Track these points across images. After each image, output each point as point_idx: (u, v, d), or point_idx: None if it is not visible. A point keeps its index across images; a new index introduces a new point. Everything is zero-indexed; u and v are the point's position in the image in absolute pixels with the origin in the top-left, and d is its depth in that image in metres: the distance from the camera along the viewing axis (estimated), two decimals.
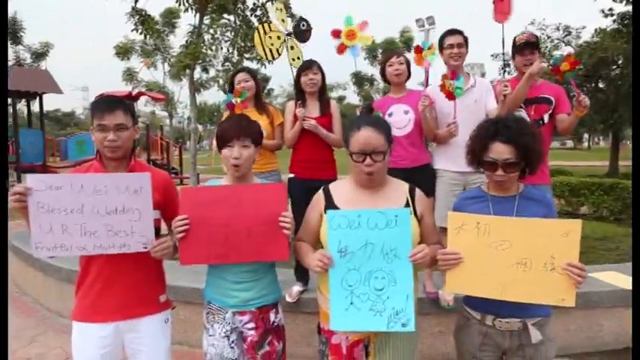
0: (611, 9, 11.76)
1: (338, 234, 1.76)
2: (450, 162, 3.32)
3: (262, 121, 3.53)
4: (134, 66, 25.52)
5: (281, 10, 3.47)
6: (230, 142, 1.98)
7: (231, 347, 2.03)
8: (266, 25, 3.39)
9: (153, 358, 2.03)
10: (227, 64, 6.15)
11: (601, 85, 14.01)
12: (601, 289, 3.51)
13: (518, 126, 1.83)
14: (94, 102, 2.00)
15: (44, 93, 13.27)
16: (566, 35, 14.92)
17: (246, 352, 2.05)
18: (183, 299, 3.47)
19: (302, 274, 3.49)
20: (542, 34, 16.70)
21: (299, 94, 3.48)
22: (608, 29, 13.17)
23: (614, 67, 13.68)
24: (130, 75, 24.98)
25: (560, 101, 3.36)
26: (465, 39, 3.37)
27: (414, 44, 3.24)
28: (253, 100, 3.63)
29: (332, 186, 2.04)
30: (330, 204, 1.94)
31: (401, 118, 3.37)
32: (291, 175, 3.50)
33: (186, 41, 5.84)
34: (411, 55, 3.35)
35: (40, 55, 26.05)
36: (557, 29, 13.79)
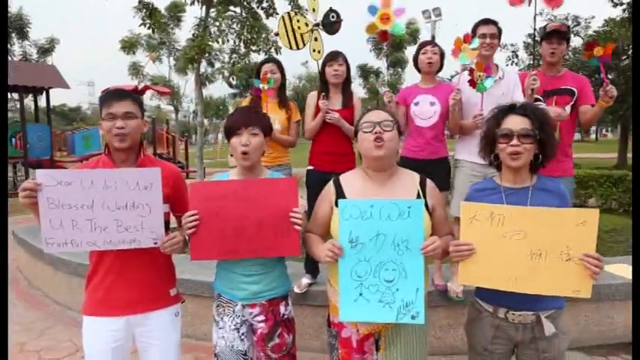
0: None
1: (349, 224, 1.74)
2: (472, 153, 3.30)
3: (281, 115, 3.53)
4: (140, 60, 25.57)
5: None
6: (239, 130, 1.97)
7: (241, 339, 2.03)
8: (292, 13, 3.34)
9: (163, 352, 2.04)
10: (234, 56, 6.11)
11: (610, 76, 13.80)
12: (612, 282, 3.47)
13: (533, 106, 1.85)
14: (102, 95, 1.99)
15: (51, 88, 13.30)
16: (575, 25, 14.72)
17: (256, 344, 2.05)
18: (190, 292, 3.50)
19: (312, 266, 3.48)
20: (534, 31, 16.49)
21: (323, 85, 3.43)
22: (618, 18, 12.96)
23: (624, 57, 13.48)
24: (135, 69, 25.00)
25: (583, 92, 3.31)
26: (499, 30, 3.33)
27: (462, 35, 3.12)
28: (277, 91, 3.61)
29: (342, 177, 2.02)
30: (340, 195, 1.92)
31: (427, 109, 3.35)
32: (310, 167, 3.48)
33: (193, 34, 5.81)
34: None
35: (46, 50, 26.12)
36: (567, 19, 13.60)
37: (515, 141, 1.77)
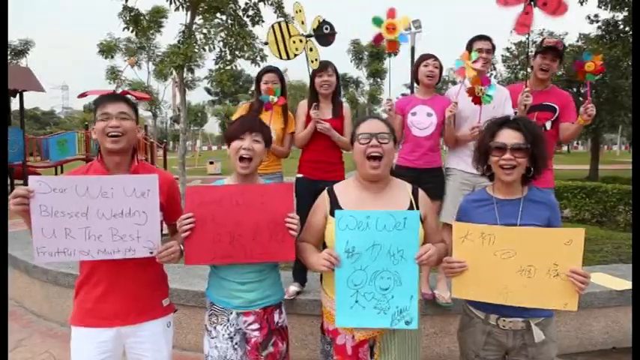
0: (596, 15, 12.08)
1: (346, 234, 1.77)
2: (463, 162, 3.37)
3: (278, 125, 3.52)
4: (118, 65, 25.15)
5: (300, 11, 3.42)
6: (242, 135, 1.97)
7: (234, 349, 2.01)
8: (283, 24, 3.34)
9: None
10: (220, 63, 6.08)
11: (582, 90, 14.31)
12: (590, 290, 3.57)
13: (526, 120, 1.92)
14: (96, 99, 1.96)
15: (25, 91, 12.93)
16: (541, 42, 15.22)
17: (250, 353, 2.03)
18: (175, 301, 3.41)
19: (300, 275, 3.48)
20: (527, 39, 17.04)
21: (313, 95, 3.46)
22: (592, 35, 13.47)
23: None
24: (113, 74, 24.54)
25: (565, 110, 3.38)
26: (493, 46, 3.42)
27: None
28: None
29: (336, 187, 2.04)
30: (335, 204, 1.94)
31: (424, 120, 3.41)
32: (300, 175, 3.49)
33: (178, 41, 5.77)
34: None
35: (19, 52, 25.42)
36: (541, 34, 14.04)
37: (508, 155, 1.83)
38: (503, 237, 1.76)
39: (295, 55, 3.56)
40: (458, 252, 1.81)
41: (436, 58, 3.46)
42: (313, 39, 3.49)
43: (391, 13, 3.22)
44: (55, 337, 3.94)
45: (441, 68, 3.46)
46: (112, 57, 23.20)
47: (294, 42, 3.43)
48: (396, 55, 3.39)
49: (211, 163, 23.62)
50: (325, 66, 3.42)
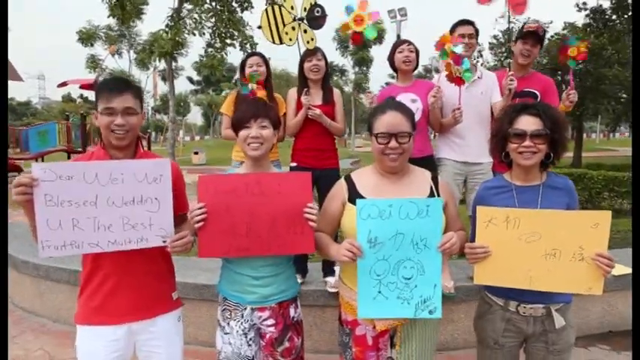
0: (585, 3, 12.21)
1: (368, 224, 1.71)
2: (454, 152, 3.34)
3: None
4: (98, 53, 24.42)
5: None
6: (247, 123, 1.89)
7: (249, 345, 1.95)
8: (276, 7, 3.25)
9: (168, 359, 1.93)
10: (210, 50, 5.93)
11: (566, 78, 14.52)
12: None
13: (545, 105, 1.88)
14: (100, 84, 1.85)
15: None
16: (522, 28, 15.32)
17: (264, 348, 1.98)
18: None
19: (301, 265, 3.43)
20: (512, 26, 17.12)
21: (302, 82, 3.39)
22: (579, 24, 13.63)
23: (580, 61, 14.19)
24: (93, 62, 23.83)
25: (546, 94, 3.36)
26: (476, 30, 3.36)
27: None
28: (263, 84, 3.50)
29: (354, 175, 1.98)
30: (354, 193, 1.88)
31: (409, 106, 3.35)
32: (293, 164, 3.43)
33: (166, 25, 5.59)
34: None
35: None
36: (527, 23, 14.13)
37: (528, 142, 1.80)
38: (529, 220, 1.72)
39: (291, 40, 3.49)
40: (481, 237, 1.76)
41: (410, 43, 3.39)
42: (305, 22, 3.43)
43: (362, 5, 3.18)
44: (48, 333, 3.83)
45: (417, 52, 3.39)
46: (92, 45, 22.55)
47: (286, 33, 3.37)
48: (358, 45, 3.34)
49: (196, 153, 23.31)
50: (314, 50, 3.37)
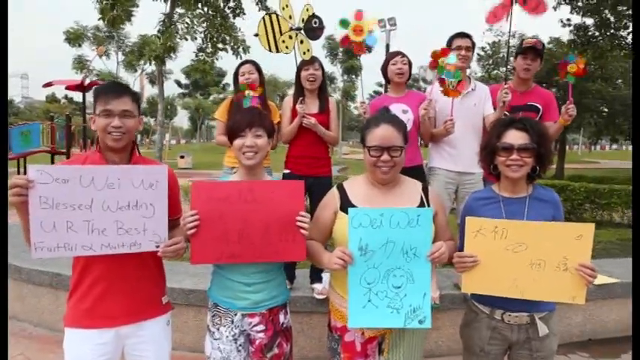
0: (569, 19, 12.56)
1: (359, 232, 1.74)
2: (446, 161, 3.40)
3: None
4: (86, 54, 24.13)
5: (287, 6, 3.37)
6: (242, 132, 1.92)
7: (238, 350, 1.96)
8: (274, 16, 3.28)
9: None
10: (201, 54, 5.94)
11: (553, 91, 14.89)
12: None
13: (531, 120, 1.95)
14: (98, 88, 1.86)
15: None
16: (521, 44, 15.74)
17: (254, 354, 1.99)
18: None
19: (289, 272, 3.44)
20: (499, 40, 17.51)
21: (299, 90, 3.43)
22: (564, 39, 13.97)
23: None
24: (80, 63, 23.51)
25: (548, 109, 3.45)
26: (473, 43, 3.44)
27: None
28: None
29: (346, 184, 2.02)
30: (346, 202, 1.92)
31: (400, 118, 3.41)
32: (287, 171, 3.46)
33: (158, 30, 5.59)
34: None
35: None
36: (513, 36, 14.47)
37: (515, 155, 1.86)
38: (516, 231, 1.78)
39: (287, 49, 3.53)
40: (470, 246, 1.81)
41: (404, 55, 3.46)
42: (303, 32, 3.47)
43: (358, 15, 3.22)
44: (30, 337, 3.76)
45: (410, 64, 3.45)
46: (80, 45, 22.28)
47: (283, 41, 3.41)
48: (360, 56, 3.36)
49: (182, 157, 23.17)
50: (312, 60, 3.41)
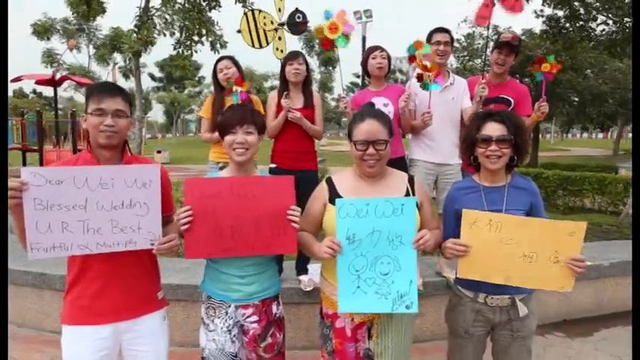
0: (542, 10, 12.87)
1: (346, 222, 1.82)
2: (426, 153, 3.50)
3: None
4: (55, 47, 23.34)
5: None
6: (233, 128, 1.95)
7: (232, 341, 2.01)
8: (256, 11, 3.29)
9: (154, 358, 1.96)
10: (179, 47, 5.88)
11: (526, 80, 15.23)
12: None
13: (508, 112, 2.07)
14: (91, 87, 1.87)
15: None
16: (495, 34, 16.07)
17: (248, 344, 2.05)
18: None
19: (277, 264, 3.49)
20: (474, 31, 17.79)
21: (283, 84, 3.45)
22: (537, 30, 14.29)
23: None
24: (50, 57, 22.74)
25: (520, 103, 3.55)
26: (452, 38, 3.52)
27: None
28: None
29: (335, 177, 2.08)
30: (334, 194, 1.99)
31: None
32: (273, 166, 3.49)
33: (135, 25, 5.50)
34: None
35: None
36: (487, 28, 14.71)
37: (493, 146, 1.96)
38: (510, 225, 1.88)
39: (267, 44, 3.55)
40: (465, 236, 1.91)
41: (383, 49, 3.52)
42: (285, 29, 3.49)
43: (340, 16, 3.26)
44: (14, 338, 3.72)
45: (389, 58, 3.53)
46: (49, 39, 21.55)
47: (265, 25, 3.42)
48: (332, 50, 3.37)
49: (159, 152, 22.81)
50: (296, 54, 3.44)
